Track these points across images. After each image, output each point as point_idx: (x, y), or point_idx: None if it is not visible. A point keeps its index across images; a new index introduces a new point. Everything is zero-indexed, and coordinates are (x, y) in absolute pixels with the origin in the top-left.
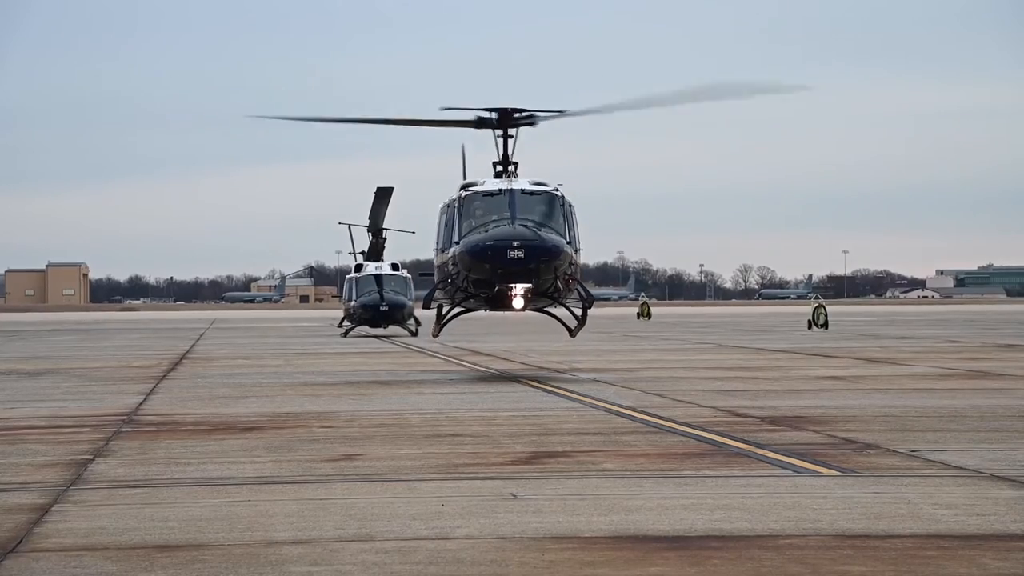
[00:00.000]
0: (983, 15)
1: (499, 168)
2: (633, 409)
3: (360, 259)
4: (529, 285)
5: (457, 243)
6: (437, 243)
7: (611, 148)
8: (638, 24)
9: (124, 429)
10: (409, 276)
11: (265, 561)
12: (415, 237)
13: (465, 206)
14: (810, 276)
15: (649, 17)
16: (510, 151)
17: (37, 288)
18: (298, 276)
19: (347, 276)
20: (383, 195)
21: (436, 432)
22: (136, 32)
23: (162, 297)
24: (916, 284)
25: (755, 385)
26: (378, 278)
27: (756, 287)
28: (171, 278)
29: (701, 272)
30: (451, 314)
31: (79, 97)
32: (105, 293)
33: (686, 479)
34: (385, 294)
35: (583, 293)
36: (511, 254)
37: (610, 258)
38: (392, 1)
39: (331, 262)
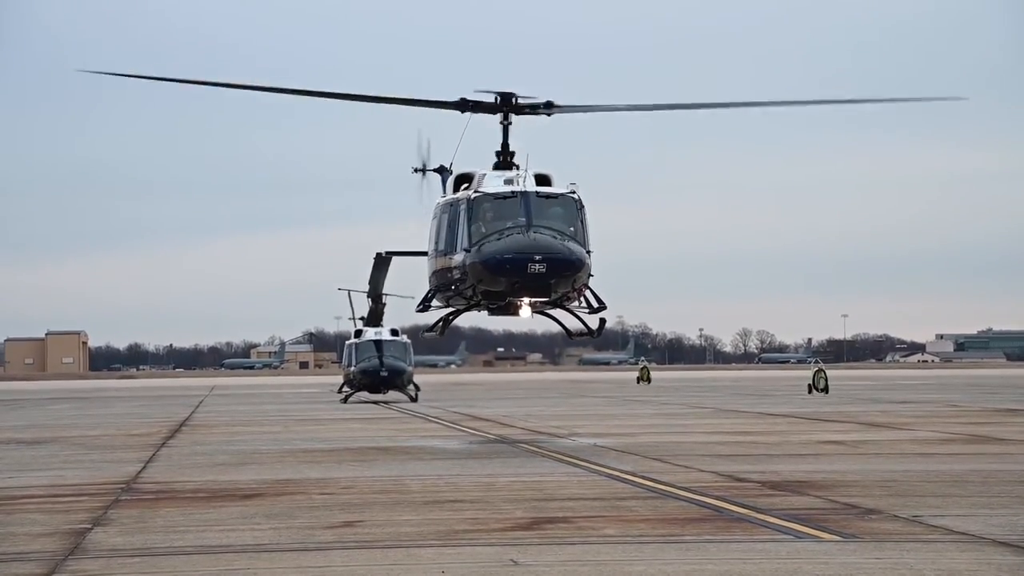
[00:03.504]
0: (980, 81)
1: (499, 159)
2: (633, 474)
3: (359, 325)
4: (545, 299)
5: (467, 250)
6: (435, 244)
7: (609, 214)
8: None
9: (123, 497)
10: (409, 342)
11: None
12: (414, 303)
13: (474, 209)
14: (810, 340)
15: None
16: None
17: (36, 356)
18: (297, 342)
19: (346, 342)
20: (382, 261)
21: (436, 498)
22: (131, 102)
23: (161, 364)
24: (916, 348)
25: (756, 450)
26: (378, 344)
27: (756, 351)
28: (170, 345)
29: (701, 336)
30: (451, 317)
31: (75, 166)
32: (104, 361)
33: (687, 544)
34: (385, 360)
35: (593, 302)
36: (532, 268)
37: (610, 322)
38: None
39: (331, 328)
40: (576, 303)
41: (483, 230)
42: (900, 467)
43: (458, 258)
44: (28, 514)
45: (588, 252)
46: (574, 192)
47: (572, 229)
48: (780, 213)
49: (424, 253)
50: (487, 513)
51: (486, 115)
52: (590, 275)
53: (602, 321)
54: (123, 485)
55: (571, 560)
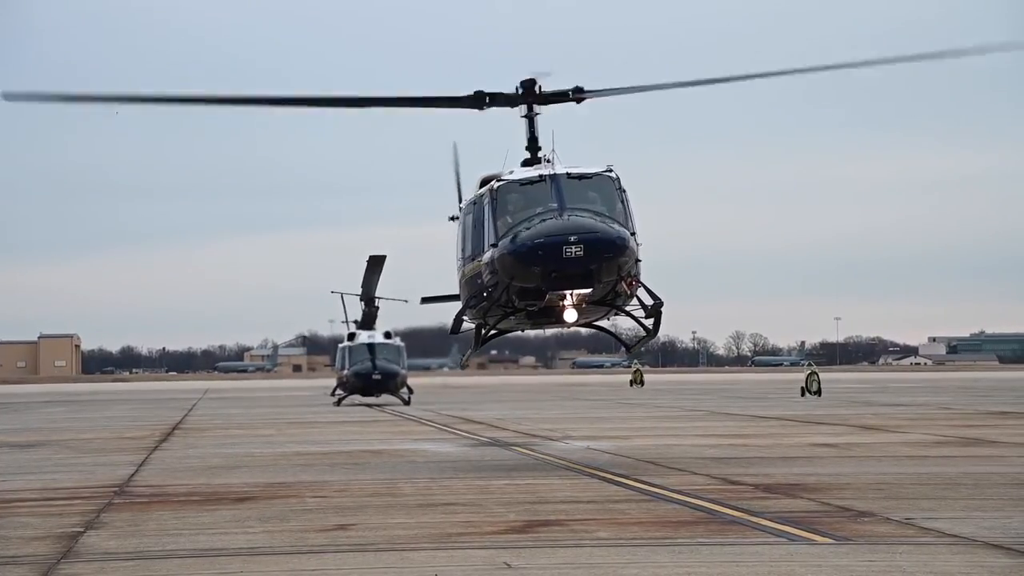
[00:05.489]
0: (972, 84)
1: (528, 155)
2: (627, 477)
3: (353, 328)
4: (588, 291)
5: (495, 246)
6: (462, 253)
7: None
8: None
9: (116, 501)
10: (402, 345)
11: None
12: (407, 306)
13: (499, 200)
14: (803, 343)
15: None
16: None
17: (29, 360)
18: (291, 345)
19: (340, 345)
20: (375, 264)
21: (429, 501)
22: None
23: (154, 367)
24: (909, 351)
25: (749, 452)
26: (371, 347)
27: (749, 354)
28: (163, 348)
29: (694, 339)
30: (488, 334)
31: (69, 169)
32: (97, 364)
33: (680, 547)
34: (378, 363)
35: (647, 300)
36: (567, 251)
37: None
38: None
39: (324, 331)
40: (630, 302)
41: (510, 221)
42: (893, 470)
43: (486, 257)
44: (21, 517)
45: (634, 235)
46: (611, 171)
47: (613, 212)
48: (773, 216)
49: (456, 297)
50: (480, 516)
51: (506, 111)
52: (636, 260)
53: (658, 316)
54: (116, 488)
55: (564, 563)
